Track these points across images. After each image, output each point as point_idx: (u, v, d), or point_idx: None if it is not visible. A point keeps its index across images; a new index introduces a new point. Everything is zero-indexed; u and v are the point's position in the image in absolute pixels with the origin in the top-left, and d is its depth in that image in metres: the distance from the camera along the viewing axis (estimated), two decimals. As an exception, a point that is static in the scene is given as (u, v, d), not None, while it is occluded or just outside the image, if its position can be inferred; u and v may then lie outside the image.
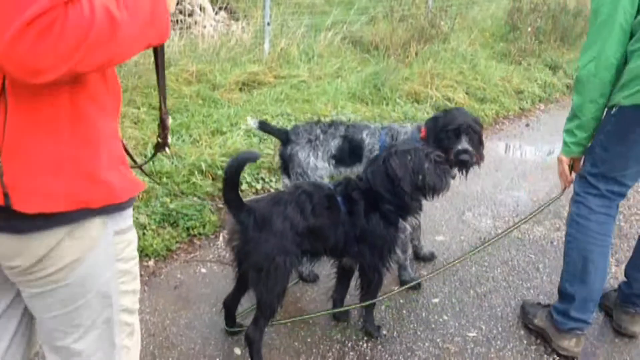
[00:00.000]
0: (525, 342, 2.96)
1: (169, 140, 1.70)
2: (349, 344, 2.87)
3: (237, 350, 2.77)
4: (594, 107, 2.56)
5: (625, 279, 3.04)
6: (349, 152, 3.38)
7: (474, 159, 3.18)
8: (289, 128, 3.50)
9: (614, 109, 2.53)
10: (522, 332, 3.03)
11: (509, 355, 2.85)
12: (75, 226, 1.27)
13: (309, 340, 2.89)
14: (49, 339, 1.42)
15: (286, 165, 3.38)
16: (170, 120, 1.69)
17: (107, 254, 1.36)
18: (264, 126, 3.54)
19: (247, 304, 2.95)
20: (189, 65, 6.48)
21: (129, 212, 1.42)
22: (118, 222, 1.37)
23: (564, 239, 2.86)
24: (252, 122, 3.50)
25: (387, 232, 2.72)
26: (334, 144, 3.35)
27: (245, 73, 6.72)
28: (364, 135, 3.37)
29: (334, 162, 3.38)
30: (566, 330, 2.79)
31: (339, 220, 2.65)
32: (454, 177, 2.91)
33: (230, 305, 2.86)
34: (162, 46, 1.51)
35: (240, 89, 6.52)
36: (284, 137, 3.39)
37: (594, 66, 2.48)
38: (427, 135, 3.23)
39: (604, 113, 2.60)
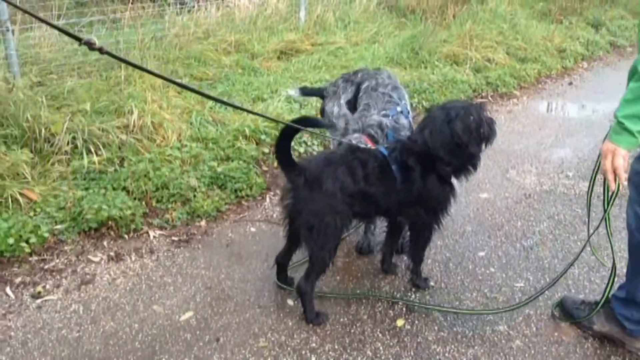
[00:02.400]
0: (573, 290, 2.99)
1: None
2: (398, 295, 2.95)
3: (290, 302, 2.87)
4: None
5: None
6: (354, 98, 3.41)
7: None
8: None
9: None
10: (569, 281, 3.05)
11: (557, 303, 2.88)
12: None
13: (358, 292, 2.97)
14: None
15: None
16: None
17: None
18: (305, 91, 3.72)
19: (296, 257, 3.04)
20: (227, 36, 6.55)
21: None
22: None
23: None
24: (293, 92, 3.63)
25: (442, 193, 2.72)
26: (351, 90, 3.40)
27: (283, 41, 6.77)
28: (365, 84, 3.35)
29: (348, 107, 3.40)
30: None
31: (393, 189, 2.66)
32: None
33: (282, 261, 2.95)
34: None
35: (279, 57, 6.58)
36: (322, 95, 3.55)
37: None
38: None
39: None
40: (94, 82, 4.87)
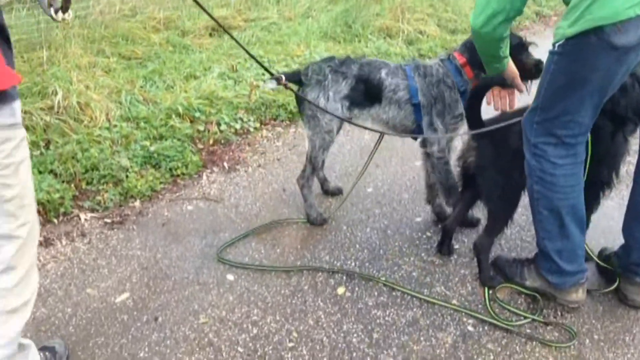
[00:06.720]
0: (506, 249, 3.09)
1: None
2: (338, 264, 2.97)
3: (230, 277, 2.84)
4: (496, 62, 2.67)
5: (623, 242, 2.69)
6: (365, 93, 3.11)
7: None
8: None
9: (556, 46, 2.18)
10: (502, 241, 3.15)
11: (491, 263, 2.97)
12: None
13: (299, 263, 2.98)
14: None
15: (300, 107, 3.22)
16: None
17: None
18: (280, 81, 3.11)
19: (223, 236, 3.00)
20: (156, 13, 6.35)
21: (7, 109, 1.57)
22: None
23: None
24: (270, 84, 3.15)
25: (624, 150, 2.62)
26: (346, 84, 3.09)
27: (214, 18, 6.61)
28: (383, 75, 3.08)
29: (347, 103, 3.11)
30: (568, 287, 2.56)
31: None
32: None
33: (451, 228, 2.98)
34: None
35: (210, 34, 6.43)
36: (297, 79, 3.17)
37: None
38: (470, 60, 2.99)
39: None
40: (15, 64, 4.61)
